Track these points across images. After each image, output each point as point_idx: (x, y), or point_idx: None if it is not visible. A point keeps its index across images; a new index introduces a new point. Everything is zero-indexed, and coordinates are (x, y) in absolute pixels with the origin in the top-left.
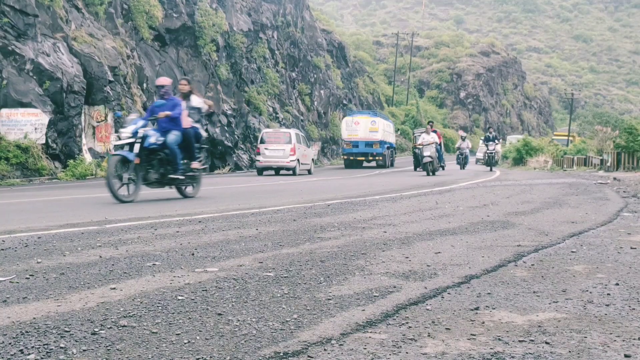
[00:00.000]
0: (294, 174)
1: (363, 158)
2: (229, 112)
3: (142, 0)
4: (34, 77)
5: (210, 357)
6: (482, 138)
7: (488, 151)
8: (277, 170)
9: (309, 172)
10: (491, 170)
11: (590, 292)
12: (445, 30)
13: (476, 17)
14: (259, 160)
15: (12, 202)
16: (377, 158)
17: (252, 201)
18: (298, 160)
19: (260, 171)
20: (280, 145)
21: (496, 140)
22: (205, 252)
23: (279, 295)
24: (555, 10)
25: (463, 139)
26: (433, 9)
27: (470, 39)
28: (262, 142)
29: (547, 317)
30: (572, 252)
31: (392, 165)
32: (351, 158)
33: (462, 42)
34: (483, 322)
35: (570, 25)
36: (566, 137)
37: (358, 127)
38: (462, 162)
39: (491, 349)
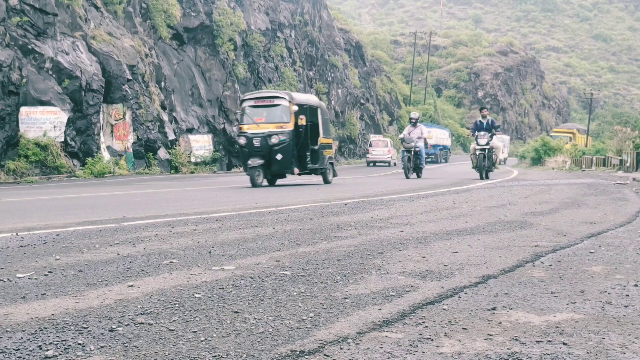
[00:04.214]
0: (389, 165)
1: (426, 156)
2: None
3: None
4: (53, 76)
5: (227, 354)
6: (470, 126)
7: (478, 147)
8: (374, 163)
9: (395, 164)
10: (482, 178)
11: (609, 293)
12: (464, 29)
13: (494, 16)
14: (368, 157)
15: (31, 199)
16: (430, 156)
17: (269, 200)
18: (391, 157)
19: (369, 164)
20: (381, 148)
21: (494, 130)
22: (222, 250)
23: (295, 293)
24: (574, 10)
25: (413, 123)
26: (451, 8)
27: (488, 38)
28: (370, 145)
29: (565, 318)
30: (591, 252)
31: (446, 161)
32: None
33: (480, 41)
34: (500, 322)
35: (590, 25)
36: (566, 134)
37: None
38: (410, 165)
39: (508, 349)
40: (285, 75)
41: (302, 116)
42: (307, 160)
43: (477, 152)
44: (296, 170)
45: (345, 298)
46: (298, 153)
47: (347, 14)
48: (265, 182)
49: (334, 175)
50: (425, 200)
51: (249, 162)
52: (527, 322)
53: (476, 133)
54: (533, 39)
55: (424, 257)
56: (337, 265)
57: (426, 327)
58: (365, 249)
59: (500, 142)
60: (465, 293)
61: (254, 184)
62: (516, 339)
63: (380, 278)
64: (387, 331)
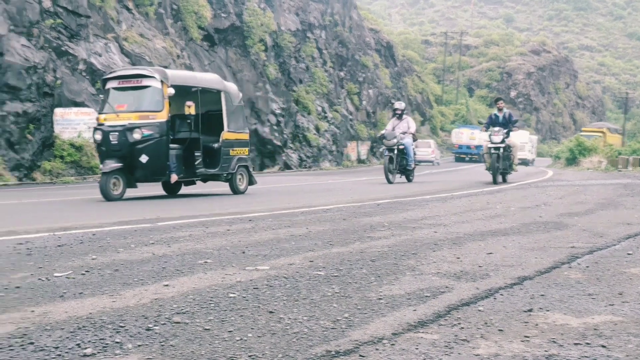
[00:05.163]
0: (433, 164)
1: (465, 156)
2: (278, 111)
3: (191, 1)
4: (87, 77)
5: (263, 354)
6: (483, 122)
7: (492, 145)
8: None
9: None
10: (495, 182)
11: None
12: (495, 28)
13: (526, 15)
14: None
15: (66, 199)
16: (473, 157)
17: (303, 200)
18: (435, 157)
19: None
20: (424, 148)
21: (511, 126)
22: (255, 251)
23: (329, 294)
24: (607, 8)
25: (398, 115)
26: (482, 8)
27: (520, 38)
28: (415, 147)
29: (603, 320)
30: (628, 254)
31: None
32: (457, 155)
33: (512, 40)
34: (537, 324)
35: (624, 23)
36: (595, 133)
37: (462, 136)
38: (394, 167)
39: (545, 351)
40: (316, 75)
41: (190, 103)
42: (198, 163)
43: (491, 152)
44: (174, 176)
45: (380, 299)
46: (184, 153)
47: (377, 14)
48: (122, 193)
49: (251, 182)
50: (458, 201)
51: (101, 166)
52: (565, 324)
53: (490, 128)
54: (566, 38)
55: (458, 257)
56: (371, 266)
57: (462, 328)
58: (399, 249)
59: (526, 140)
60: (501, 294)
61: (107, 197)
62: (553, 341)
63: (415, 279)
64: (422, 332)
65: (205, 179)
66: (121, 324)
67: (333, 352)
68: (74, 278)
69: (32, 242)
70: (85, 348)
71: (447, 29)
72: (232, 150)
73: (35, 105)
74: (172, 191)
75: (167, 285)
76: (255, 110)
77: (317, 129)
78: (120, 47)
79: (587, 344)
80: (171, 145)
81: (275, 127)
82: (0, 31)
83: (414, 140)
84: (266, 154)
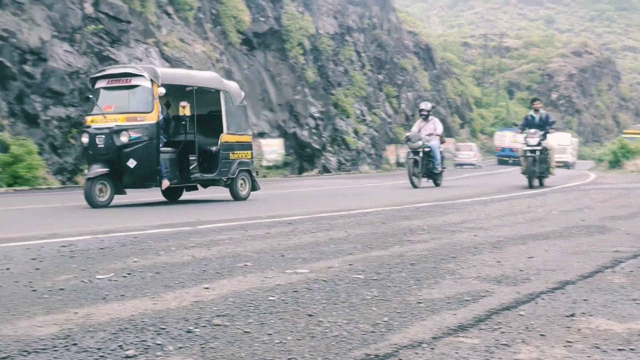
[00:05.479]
0: (475, 167)
1: (507, 159)
2: (317, 114)
3: (230, 5)
4: None
5: (302, 357)
6: (518, 124)
7: (528, 148)
8: (462, 165)
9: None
10: (531, 186)
11: None
12: (535, 30)
13: (567, 16)
14: (455, 160)
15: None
16: (517, 159)
17: (342, 203)
18: (477, 160)
19: (456, 166)
20: (467, 152)
21: (548, 127)
22: (295, 254)
23: (369, 297)
24: None
25: (424, 116)
26: (522, 9)
27: (561, 39)
28: (457, 150)
29: None
30: None
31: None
32: (500, 158)
33: (553, 42)
34: (579, 329)
35: None
36: (639, 135)
37: (505, 139)
38: (419, 171)
39: (588, 356)
40: (355, 78)
41: (184, 103)
42: (193, 167)
43: (527, 155)
44: (165, 182)
45: (420, 302)
46: (178, 157)
47: (415, 16)
48: (109, 200)
49: (254, 188)
50: (499, 204)
51: (87, 171)
52: (608, 329)
53: (526, 130)
54: (608, 39)
55: (498, 261)
56: (411, 270)
57: (502, 332)
58: (438, 253)
59: (568, 142)
60: (543, 299)
61: (92, 203)
62: (597, 347)
63: (455, 283)
64: (462, 336)
65: (205, 184)
66: (162, 326)
67: (372, 356)
68: (116, 280)
69: (75, 245)
70: (127, 350)
71: (486, 31)
72: (233, 153)
73: (78, 109)
74: (171, 197)
75: (207, 288)
76: (293, 114)
77: (356, 132)
78: (160, 52)
79: (632, 349)
80: (163, 149)
81: (314, 131)
82: (44, 37)
83: (442, 142)
84: (305, 157)
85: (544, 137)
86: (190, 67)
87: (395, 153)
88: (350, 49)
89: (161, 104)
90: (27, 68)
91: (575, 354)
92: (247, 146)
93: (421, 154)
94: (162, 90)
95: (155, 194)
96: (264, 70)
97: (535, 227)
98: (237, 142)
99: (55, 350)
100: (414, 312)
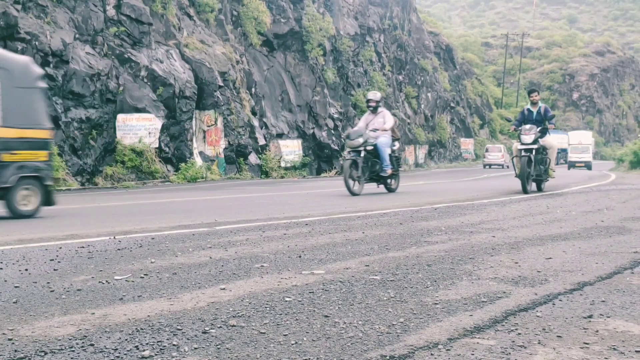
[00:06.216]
0: (502, 167)
1: None
2: (336, 115)
3: (251, 7)
4: (148, 83)
5: (317, 358)
6: (513, 119)
7: (522, 147)
8: (490, 166)
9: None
10: (525, 191)
11: None
12: (557, 30)
13: (590, 15)
14: (484, 160)
15: (127, 203)
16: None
17: (359, 203)
18: (504, 160)
19: (485, 166)
20: (495, 153)
21: (547, 123)
22: (312, 255)
23: (385, 298)
24: None
25: (373, 108)
26: (544, 9)
27: (583, 39)
28: (486, 151)
29: None
30: None
31: (557, 163)
32: None
33: (575, 41)
34: (597, 331)
35: None
36: None
37: None
38: (358, 173)
39: (606, 358)
40: (375, 79)
41: None
42: None
43: (521, 154)
44: None
45: (436, 303)
46: None
47: (436, 16)
48: None
49: (48, 202)
50: (517, 205)
51: None
52: (626, 331)
53: (521, 127)
54: (631, 38)
55: (516, 262)
56: (427, 271)
57: (519, 334)
58: (455, 254)
59: (590, 141)
60: (560, 300)
61: None
62: (614, 349)
63: (472, 284)
64: (478, 337)
65: None
66: (178, 327)
67: (388, 357)
68: (133, 281)
69: (93, 246)
70: (144, 350)
71: (508, 31)
72: (7, 154)
73: (99, 111)
74: None
75: (223, 289)
76: (313, 115)
77: None
78: (181, 54)
79: None
80: None
81: (332, 132)
82: (67, 39)
83: (396, 139)
84: (323, 158)
85: (542, 134)
86: (210, 69)
87: (414, 154)
88: (371, 49)
89: None
90: (49, 70)
91: (593, 355)
92: (38, 145)
93: (363, 154)
94: None
95: None
96: (284, 71)
97: (554, 228)
98: (17, 138)
99: (72, 351)
100: (430, 313)
